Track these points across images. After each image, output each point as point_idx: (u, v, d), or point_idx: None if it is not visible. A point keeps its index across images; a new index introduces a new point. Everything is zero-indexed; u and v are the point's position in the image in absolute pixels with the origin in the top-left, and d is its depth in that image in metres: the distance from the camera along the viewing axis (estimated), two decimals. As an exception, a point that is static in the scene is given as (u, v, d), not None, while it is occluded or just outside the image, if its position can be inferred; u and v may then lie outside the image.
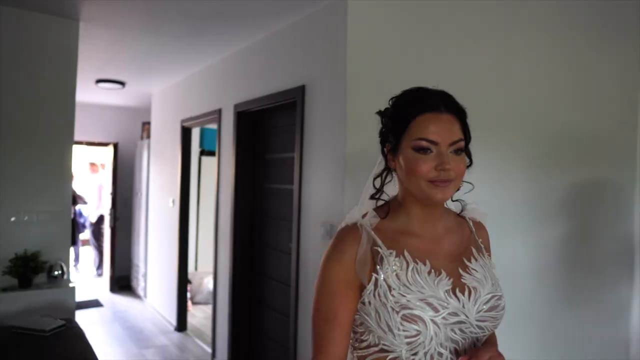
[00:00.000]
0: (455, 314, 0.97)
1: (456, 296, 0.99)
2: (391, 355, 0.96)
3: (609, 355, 2.41)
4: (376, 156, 2.84)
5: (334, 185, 2.61)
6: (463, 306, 0.98)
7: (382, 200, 1.10)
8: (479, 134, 2.69)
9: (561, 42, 2.45)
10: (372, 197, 1.10)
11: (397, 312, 0.94)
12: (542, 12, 2.46)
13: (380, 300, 0.96)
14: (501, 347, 1.05)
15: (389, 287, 0.96)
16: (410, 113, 1.01)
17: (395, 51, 2.51)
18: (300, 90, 2.87)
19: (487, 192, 2.45)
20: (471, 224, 1.16)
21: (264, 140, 3.51)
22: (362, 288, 0.99)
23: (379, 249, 1.00)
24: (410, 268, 0.98)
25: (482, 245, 1.14)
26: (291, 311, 2.94)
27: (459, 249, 1.08)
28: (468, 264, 1.06)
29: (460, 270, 1.04)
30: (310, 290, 2.80)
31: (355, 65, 2.50)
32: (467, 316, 0.98)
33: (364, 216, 1.06)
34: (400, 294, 0.95)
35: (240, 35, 3.34)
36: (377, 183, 1.10)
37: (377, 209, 1.08)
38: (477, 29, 2.47)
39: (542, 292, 2.51)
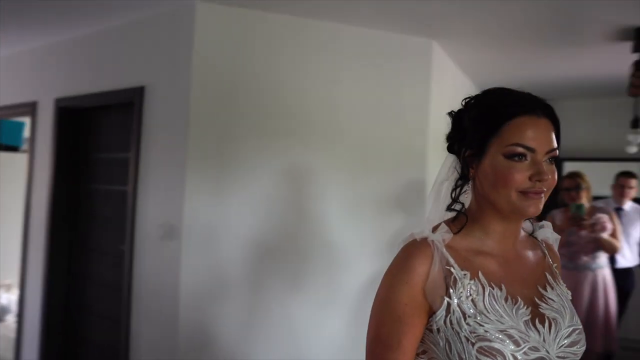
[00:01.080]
0: (536, 349, 0.86)
1: (536, 328, 0.88)
2: None
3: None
4: (215, 158, 2.97)
5: (174, 185, 2.67)
6: (544, 340, 0.88)
7: (455, 210, 0.98)
8: (313, 142, 3.04)
9: (372, 67, 3.00)
10: (449, 209, 0.98)
11: (473, 344, 0.84)
12: (357, 45, 2.96)
13: (453, 328, 0.86)
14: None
15: (464, 313, 0.86)
16: (503, 115, 0.91)
17: (240, 60, 2.70)
18: (139, 91, 2.85)
19: (318, 189, 2.85)
20: (544, 246, 1.06)
21: (92, 139, 3.33)
22: (430, 313, 0.89)
23: (452, 270, 0.89)
24: (486, 293, 0.89)
25: (557, 272, 1.04)
26: (122, 315, 2.87)
27: (534, 274, 0.99)
28: (544, 292, 0.95)
29: (536, 299, 0.93)
30: (146, 292, 2.79)
31: (201, 71, 2.62)
32: (547, 352, 0.87)
33: (433, 230, 0.95)
34: (477, 322, 0.86)
35: (67, 25, 3.11)
36: (453, 193, 0.98)
37: (449, 223, 0.96)
38: (311, 47, 2.84)
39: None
